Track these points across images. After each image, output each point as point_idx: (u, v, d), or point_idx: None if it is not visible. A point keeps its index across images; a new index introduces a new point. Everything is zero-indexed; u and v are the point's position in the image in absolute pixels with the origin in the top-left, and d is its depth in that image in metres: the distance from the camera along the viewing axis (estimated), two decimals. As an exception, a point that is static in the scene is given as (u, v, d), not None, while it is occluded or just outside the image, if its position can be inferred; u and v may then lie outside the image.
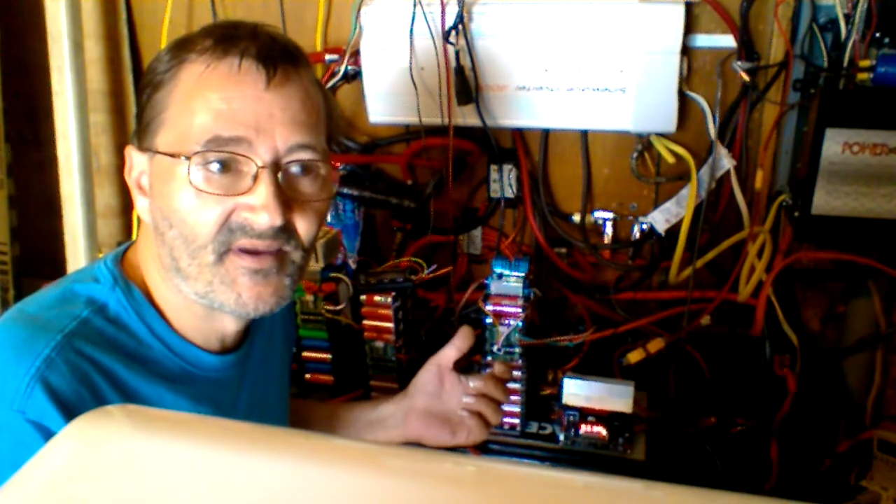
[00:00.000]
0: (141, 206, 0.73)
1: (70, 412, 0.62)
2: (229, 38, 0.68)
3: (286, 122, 0.68)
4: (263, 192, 0.67)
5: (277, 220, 0.67)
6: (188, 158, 0.66)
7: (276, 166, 0.68)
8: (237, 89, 0.67)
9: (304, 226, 0.71)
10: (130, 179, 0.73)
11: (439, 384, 0.96)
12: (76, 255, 1.35)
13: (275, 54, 0.68)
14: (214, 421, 0.46)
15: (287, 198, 0.69)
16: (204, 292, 0.70)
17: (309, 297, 1.17)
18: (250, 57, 0.67)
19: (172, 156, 0.67)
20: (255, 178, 0.67)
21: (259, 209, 0.67)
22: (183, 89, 0.68)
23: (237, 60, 0.67)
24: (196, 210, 0.67)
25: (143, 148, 0.71)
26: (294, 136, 0.68)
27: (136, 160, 0.72)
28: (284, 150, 0.68)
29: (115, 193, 1.44)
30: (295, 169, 0.70)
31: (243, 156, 0.67)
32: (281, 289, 0.71)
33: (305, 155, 0.69)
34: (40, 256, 1.54)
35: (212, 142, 0.66)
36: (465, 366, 1.02)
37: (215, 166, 0.66)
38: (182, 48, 0.69)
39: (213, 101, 0.66)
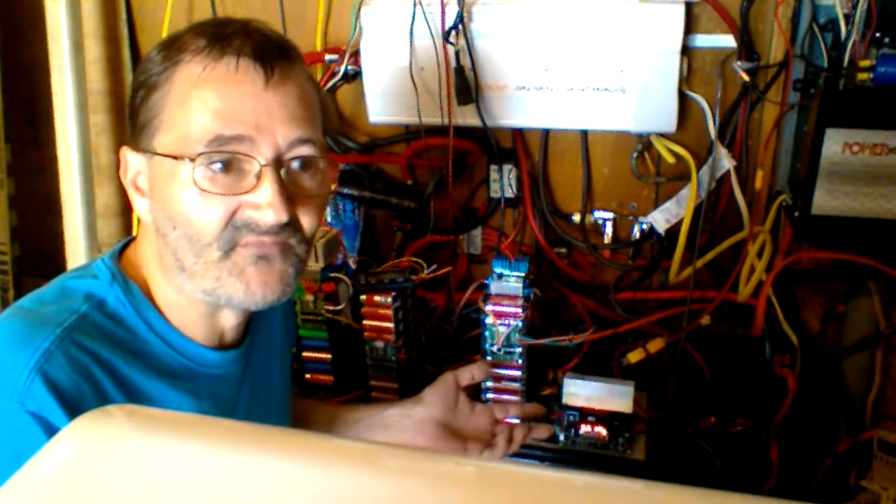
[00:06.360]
0: (140, 206, 0.74)
1: (69, 404, 0.63)
2: (223, 38, 0.69)
3: (285, 118, 0.69)
4: (268, 190, 0.68)
5: (283, 217, 0.68)
6: (192, 160, 0.67)
7: (278, 163, 0.69)
8: (236, 89, 0.67)
9: (307, 219, 0.72)
10: (126, 180, 0.74)
11: (455, 399, 0.99)
12: (76, 255, 1.35)
13: (271, 52, 0.69)
14: (215, 421, 0.46)
15: (290, 193, 0.70)
16: (211, 288, 0.70)
17: (309, 297, 1.17)
18: (247, 56, 0.68)
19: (175, 157, 0.68)
20: (259, 176, 0.68)
21: (264, 207, 0.68)
22: (180, 91, 0.68)
23: (234, 60, 0.68)
24: (200, 210, 0.68)
25: (139, 149, 0.71)
26: (294, 132, 0.69)
27: (132, 161, 0.73)
28: (285, 146, 0.69)
29: (114, 193, 1.44)
30: (296, 164, 0.71)
31: (246, 154, 0.68)
32: (286, 276, 0.72)
33: (305, 150, 0.71)
34: (40, 256, 1.54)
35: (214, 141, 0.67)
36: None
37: (218, 166, 0.67)
38: (174, 49, 0.69)
39: (212, 102, 0.67)
